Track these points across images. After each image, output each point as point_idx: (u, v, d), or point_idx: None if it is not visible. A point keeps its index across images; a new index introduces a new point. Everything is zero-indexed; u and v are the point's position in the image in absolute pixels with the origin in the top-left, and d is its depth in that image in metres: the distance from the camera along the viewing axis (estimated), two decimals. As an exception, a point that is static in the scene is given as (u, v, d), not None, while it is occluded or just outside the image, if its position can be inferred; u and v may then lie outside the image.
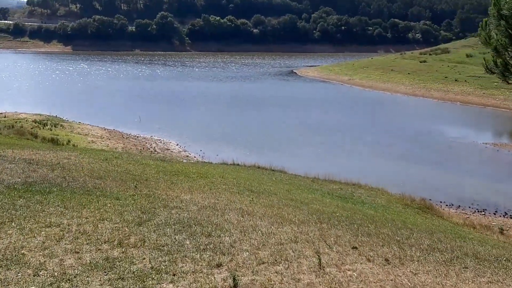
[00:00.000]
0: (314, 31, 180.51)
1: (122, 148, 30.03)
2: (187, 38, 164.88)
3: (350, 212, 10.94)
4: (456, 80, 65.94)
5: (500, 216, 21.52)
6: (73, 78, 76.48)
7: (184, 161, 27.90)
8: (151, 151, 30.17)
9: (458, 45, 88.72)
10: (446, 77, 68.23)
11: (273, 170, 19.21)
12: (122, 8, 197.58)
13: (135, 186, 10.91)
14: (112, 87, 66.69)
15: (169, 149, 31.36)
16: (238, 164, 20.73)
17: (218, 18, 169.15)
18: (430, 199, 23.19)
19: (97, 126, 37.51)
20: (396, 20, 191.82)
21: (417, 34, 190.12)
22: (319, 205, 11.50)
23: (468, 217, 20.82)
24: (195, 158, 28.78)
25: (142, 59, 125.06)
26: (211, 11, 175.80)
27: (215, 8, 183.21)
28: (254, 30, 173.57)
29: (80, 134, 33.02)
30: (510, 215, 21.66)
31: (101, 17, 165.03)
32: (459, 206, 22.64)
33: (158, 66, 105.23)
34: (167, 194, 10.50)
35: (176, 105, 51.76)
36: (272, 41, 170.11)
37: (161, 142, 33.42)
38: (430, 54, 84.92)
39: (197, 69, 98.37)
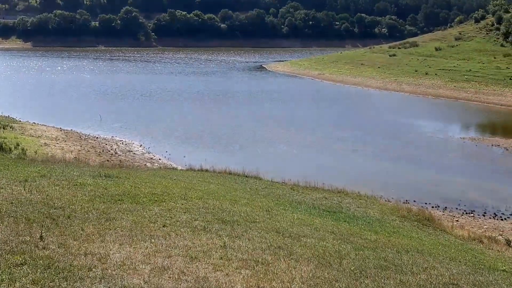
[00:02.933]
0: (282, 26, 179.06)
1: (79, 151, 27.36)
2: (153, 34, 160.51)
3: (353, 246, 8.63)
4: (426, 74, 65.36)
5: (490, 218, 20.10)
6: (30, 75, 72.29)
7: (148, 164, 25.56)
8: (112, 154, 27.62)
9: (426, 39, 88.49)
10: (416, 71, 67.62)
11: (246, 177, 17.03)
12: (85, 2, 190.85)
13: (41, 236, 7.36)
14: (72, 83, 63.08)
15: (131, 151, 28.85)
16: (207, 170, 18.46)
17: (184, 13, 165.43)
18: (414, 201, 21.72)
19: (53, 127, 34.52)
20: (362, 15, 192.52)
21: (384, 29, 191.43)
22: (313, 236, 9.04)
23: (458, 220, 19.33)
24: (160, 161, 26.42)
25: (101, 55, 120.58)
26: (177, 6, 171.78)
27: (181, 2, 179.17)
28: (222, 25, 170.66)
29: (32, 136, 30.07)
30: (500, 217, 20.28)
31: (62, 12, 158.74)
32: (446, 207, 21.14)
33: (121, 62, 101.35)
34: (88, 250, 7.08)
35: (140, 103, 49.00)
36: (240, 36, 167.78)
37: (122, 143, 30.83)
38: (399, 48, 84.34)
39: (162, 65, 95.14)
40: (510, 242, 12.85)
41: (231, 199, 12.04)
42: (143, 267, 6.64)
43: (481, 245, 11.51)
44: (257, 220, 9.92)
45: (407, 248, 8.91)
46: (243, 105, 48.87)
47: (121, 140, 31.43)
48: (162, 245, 7.66)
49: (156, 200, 10.73)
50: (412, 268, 7.66)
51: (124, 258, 6.92)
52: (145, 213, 9.61)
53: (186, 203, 10.81)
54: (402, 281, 7.04)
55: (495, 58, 64.81)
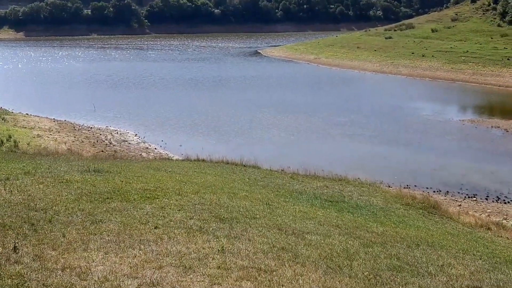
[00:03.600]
0: (277, 11, 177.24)
1: (73, 142, 26.86)
2: (146, 21, 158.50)
3: (360, 242, 8.02)
4: (423, 56, 64.72)
5: (493, 201, 19.78)
6: (23, 65, 71.26)
7: (144, 154, 25.08)
8: (106, 144, 27.11)
9: (422, 20, 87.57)
10: (413, 53, 66.96)
11: (244, 166, 16.53)
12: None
13: (15, 247, 6.54)
14: (64, 73, 62.15)
15: (126, 141, 28.34)
16: (203, 160, 17.96)
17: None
18: (415, 186, 21.38)
19: (46, 118, 33.94)
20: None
21: (378, 11, 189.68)
22: (317, 232, 8.38)
23: (460, 205, 19.01)
24: (155, 150, 25.94)
25: (93, 43, 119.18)
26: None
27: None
28: (215, 11, 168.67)
29: (25, 127, 29.51)
30: (503, 200, 19.97)
31: (54, 1, 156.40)
32: (447, 192, 20.81)
33: (115, 50, 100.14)
34: (67, 262, 6.31)
35: (134, 91, 48.30)
36: (234, 22, 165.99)
37: (117, 133, 30.30)
38: (395, 30, 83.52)
39: (155, 52, 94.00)
40: (518, 228, 12.53)
41: (229, 192, 11.39)
42: (129, 283, 5.87)
43: (490, 232, 11.16)
44: (257, 216, 9.23)
45: (417, 241, 8.51)
46: (238, 92, 48.26)
47: (115, 130, 30.88)
48: (152, 253, 6.89)
49: (148, 197, 9.90)
50: (428, 268, 7.18)
51: (108, 272, 6.15)
52: (135, 212, 8.81)
53: (180, 199, 9.99)
54: (421, 286, 6.53)
55: (492, 38, 64.17)
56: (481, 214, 17.79)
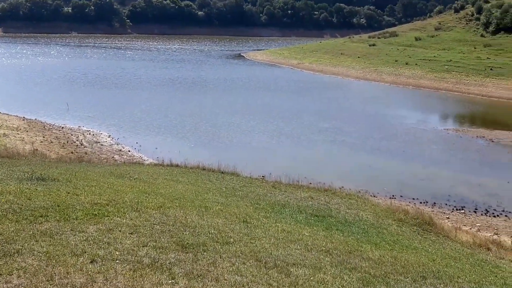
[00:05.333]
0: (261, 15, 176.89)
1: (41, 142, 25.25)
2: (128, 21, 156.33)
3: (358, 277, 6.55)
4: (406, 64, 64.42)
5: (482, 214, 18.92)
6: (-3, 61, 68.78)
7: (116, 157, 23.65)
8: (77, 145, 25.57)
9: (406, 29, 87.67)
10: (396, 61, 66.66)
11: (222, 173, 15.22)
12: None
13: None
14: (37, 70, 60.02)
15: (99, 142, 26.82)
16: (177, 165, 16.59)
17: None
18: (401, 196, 20.43)
19: (16, 116, 32.19)
20: (341, 4, 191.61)
21: (362, 19, 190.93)
22: (305, 263, 6.84)
23: (448, 217, 18.08)
24: (129, 153, 24.51)
25: (71, 41, 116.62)
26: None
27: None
28: (199, 13, 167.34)
29: (-9, 125, 27.75)
30: (492, 213, 19.12)
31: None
32: (435, 203, 19.90)
33: (93, 49, 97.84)
34: None
35: (110, 90, 46.63)
36: (218, 25, 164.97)
37: (90, 133, 28.72)
38: (378, 38, 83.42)
39: (134, 52, 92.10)
40: (517, 247, 11.60)
41: (200, 205, 9.74)
42: None
43: (490, 254, 10.14)
44: (231, 240, 7.40)
45: (421, 272, 7.34)
46: (220, 94, 47.00)
47: (88, 131, 29.30)
48: None
49: (95, 215, 7.82)
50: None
51: None
52: (71, 237, 6.73)
53: (137, 217, 8.01)
54: None
55: (475, 48, 64.26)
56: (471, 228, 16.90)
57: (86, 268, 5.83)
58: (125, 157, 23.48)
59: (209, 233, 7.72)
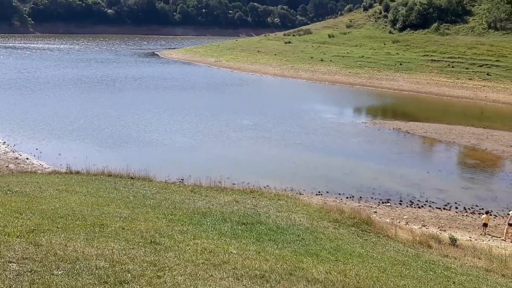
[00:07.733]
0: (174, 13, 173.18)
1: None
2: (30, 19, 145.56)
3: None
4: (322, 60, 65.36)
5: (407, 206, 18.68)
6: None
7: (12, 166, 20.73)
8: (-36, 154, 22.16)
9: (319, 26, 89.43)
10: (312, 58, 67.44)
11: (132, 178, 13.25)
12: None
13: None
14: None
15: (-10, 150, 23.50)
16: (78, 172, 14.42)
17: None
18: (327, 192, 19.70)
19: None
20: (255, 4, 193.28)
21: (276, 19, 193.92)
22: None
23: (376, 211, 17.56)
24: (27, 161, 21.60)
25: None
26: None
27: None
28: (109, 11, 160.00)
29: None
30: (417, 204, 18.95)
31: None
32: (361, 197, 19.40)
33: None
34: None
35: (6, 92, 42.14)
36: (130, 23, 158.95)
37: (-20, 140, 25.19)
38: (293, 35, 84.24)
39: (35, 52, 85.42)
40: (454, 240, 11.02)
41: (94, 223, 7.52)
42: None
43: (434, 252, 9.33)
44: (128, 278, 5.06)
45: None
46: (133, 94, 44.23)
47: (-22, 137, 25.73)
48: None
49: None
50: None
51: None
52: None
53: None
54: None
55: (385, 44, 66.65)
56: (400, 222, 16.45)
57: None
58: (22, 165, 20.65)
59: (96, 269, 5.28)
